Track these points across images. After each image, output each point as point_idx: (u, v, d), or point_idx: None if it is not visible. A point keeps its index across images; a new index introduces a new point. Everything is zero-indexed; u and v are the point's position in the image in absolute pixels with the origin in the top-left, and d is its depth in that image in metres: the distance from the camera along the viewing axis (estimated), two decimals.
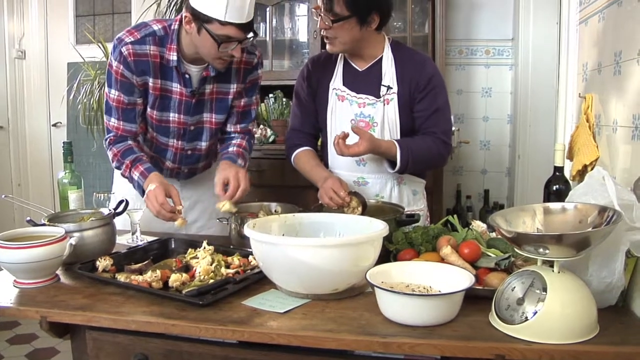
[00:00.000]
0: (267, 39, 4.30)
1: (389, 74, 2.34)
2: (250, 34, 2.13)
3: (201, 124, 2.42)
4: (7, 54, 5.23)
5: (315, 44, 4.10)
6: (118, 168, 2.30)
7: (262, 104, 4.30)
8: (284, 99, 4.25)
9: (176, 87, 2.28)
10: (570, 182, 2.12)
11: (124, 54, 2.18)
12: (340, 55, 2.41)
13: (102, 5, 5.21)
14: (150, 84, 2.25)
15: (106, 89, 2.29)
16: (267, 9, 4.31)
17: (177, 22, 2.21)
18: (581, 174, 2.15)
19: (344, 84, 2.40)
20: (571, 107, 2.52)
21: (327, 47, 2.32)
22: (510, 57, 4.48)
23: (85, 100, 4.20)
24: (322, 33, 2.29)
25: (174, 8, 4.15)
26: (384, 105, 2.34)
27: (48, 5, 5.28)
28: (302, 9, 4.37)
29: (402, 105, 2.34)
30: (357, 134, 2.19)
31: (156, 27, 2.23)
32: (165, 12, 4.18)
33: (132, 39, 2.19)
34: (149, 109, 2.32)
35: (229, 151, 2.42)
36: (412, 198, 2.48)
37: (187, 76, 2.27)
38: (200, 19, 2.06)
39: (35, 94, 5.37)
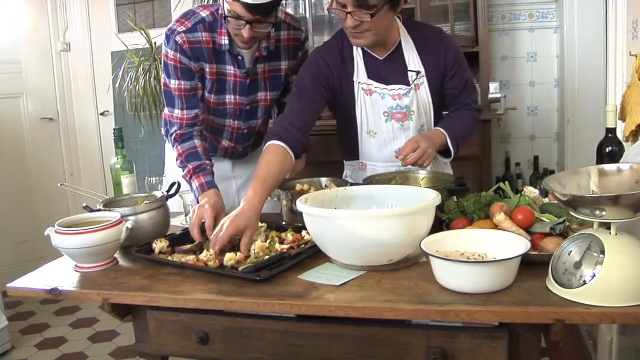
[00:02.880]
0: (307, 15, 4.27)
1: (412, 58, 2.27)
2: (265, 19, 2.08)
3: (256, 103, 2.46)
4: (52, 48, 5.33)
5: None
6: (181, 168, 2.32)
7: None
8: None
9: (230, 69, 2.32)
10: (624, 143, 2.08)
11: (179, 42, 2.21)
12: None
13: None
14: (207, 69, 2.29)
15: (164, 81, 2.32)
16: None
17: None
18: (634, 134, 2.11)
19: (368, 77, 2.28)
20: (621, 66, 2.46)
21: (354, 41, 2.18)
22: (554, 20, 4.38)
23: (130, 88, 4.24)
24: (350, 29, 2.11)
25: None
26: (416, 91, 2.28)
27: None
28: None
29: (432, 86, 2.30)
30: (413, 149, 2.11)
31: (204, 13, 2.26)
32: None
33: (184, 28, 2.22)
34: (206, 94, 2.35)
35: None
36: None
37: (239, 57, 2.30)
38: None
39: (81, 84, 5.46)
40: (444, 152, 2.29)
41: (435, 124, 2.34)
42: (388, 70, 2.28)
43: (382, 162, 2.37)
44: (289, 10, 4.29)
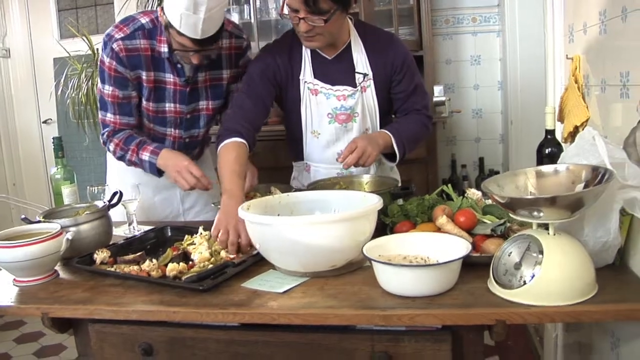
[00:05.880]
0: (252, 20, 4.26)
1: (361, 60, 2.28)
2: (211, 47, 2.14)
3: (197, 112, 2.43)
4: None
5: None
6: (122, 157, 2.32)
7: None
8: None
9: (169, 77, 2.29)
10: (562, 144, 2.12)
11: (116, 50, 2.18)
12: None
13: None
14: (144, 77, 2.26)
15: (99, 86, 2.30)
16: None
17: None
18: (573, 135, 2.15)
19: (314, 76, 2.28)
20: (559, 69, 2.51)
21: (307, 44, 2.20)
22: (497, 24, 4.46)
23: (73, 95, 4.17)
24: (303, 33, 2.13)
25: None
26: (362, 93, 2.28)
27: (29, 1, 5.23)
28: None
29: (379, 90, 2.30)
30: (351, 150, 2.11)
31: (144, 20, 2.23)
32: (148, 1, 4.15)
33: (122, 35, 2.19)
34: (144, 102, 2.32)
35: None
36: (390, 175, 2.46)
37: (179, 66, 2.28)
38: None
39: (23, 91, 5.34)
40: (390, 156, 2.29)
41: (382, 128, 2.34)
42: (335, 70, 2.28)
43: (325, 163, 2.37)
44: (235, 16, 4.27)
